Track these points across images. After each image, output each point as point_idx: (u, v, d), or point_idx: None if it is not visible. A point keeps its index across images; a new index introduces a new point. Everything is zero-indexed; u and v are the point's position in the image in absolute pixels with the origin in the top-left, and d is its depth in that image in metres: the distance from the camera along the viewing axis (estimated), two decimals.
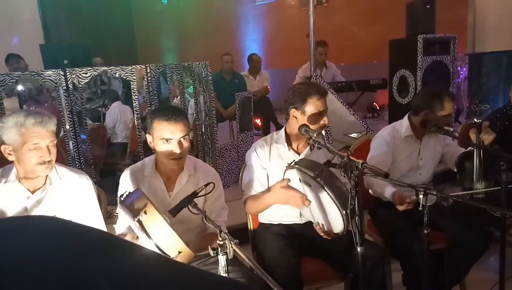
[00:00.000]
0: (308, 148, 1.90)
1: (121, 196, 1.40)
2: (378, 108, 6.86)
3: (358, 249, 1.34)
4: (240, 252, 1.15)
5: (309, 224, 1.90)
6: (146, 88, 3.15)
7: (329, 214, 1.55)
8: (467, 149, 2.06)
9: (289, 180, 1.68)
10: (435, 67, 3.67)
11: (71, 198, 1.64)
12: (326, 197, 1.45)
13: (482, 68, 3.73)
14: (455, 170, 2.06)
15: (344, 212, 1.42)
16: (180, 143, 1.63)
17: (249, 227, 2.16)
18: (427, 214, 1.38)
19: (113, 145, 4.69)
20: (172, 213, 1.51)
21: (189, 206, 1.48)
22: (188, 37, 8.34)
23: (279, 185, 1.73)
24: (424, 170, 2.21)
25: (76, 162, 2.86)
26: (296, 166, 1.57)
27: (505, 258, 1.65)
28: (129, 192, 1.40)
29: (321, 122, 1.80)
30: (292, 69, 5.61)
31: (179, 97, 3.45)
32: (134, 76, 3.05)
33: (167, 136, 1.61)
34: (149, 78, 3.14)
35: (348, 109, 3.92)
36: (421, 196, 1.33)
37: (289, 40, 7.70)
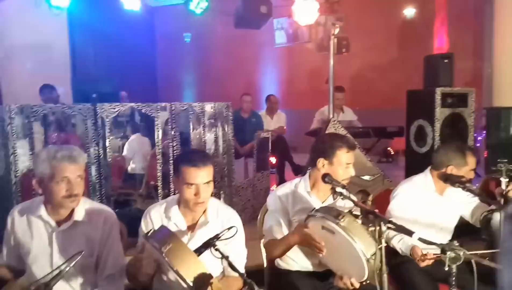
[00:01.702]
0: (331, 196, 1.92)
1: (148, 233, 1.45)
2: (392, 153, 6.87)
3: None
4: None
5: (328, 273, 1.88)
6: (170, 125, 3.25)
7: (351, 261, 1.54)
8: (491, 207, 2.04)
9: (306, 225, 1.69)
10: (453, 119, 3.70)
11: (96, 232, 1.67)
12: (348, 243, 1.45)
13: (501, 123, 3.75)
14: (478, 226, 2.04)
15: (367, 258, 1.41)
16: (203, 188, 1.66)
17: (265, 272, 2.14)
18: (455, 274, 1.37)
19: (129, 175, 4.78)
20: (196, 252, 1.53)
21: (212, 249, 1.50)
22: (208, 76, 8.62)
23: (300, 225, 1.74)
24: (446, 225, 2.19)
25: (97, 194, 2.91)
26: (318, 213, 1.59)
27: None
28: (155, 230, 1.44)
29: (347, 174, 1.83)
30: (308, 110, 5.72)
31: (198, 129, 3.54)
32: (158, 113, 3.16)
33: (191, 181, 1.65)
34: (173, 116, 3.25)
35: (365, 155, 3.94)
36: (448, 255, 1.32)
37: (306, 82, 7.91)
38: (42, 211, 1.63)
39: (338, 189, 1.66)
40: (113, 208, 3.61)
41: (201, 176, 1.64)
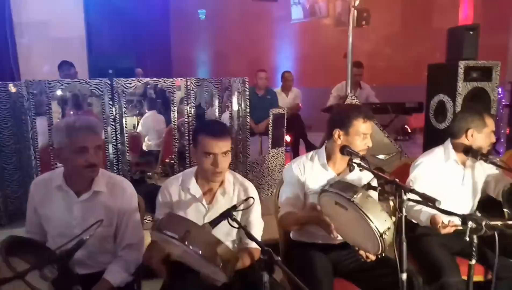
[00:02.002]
0: (348, 169, 1.90)
1: (156, 221, 1.41)
2: (410, 131, 6.73)
3: (400, 275, 1.31)
4: (285, 270, 1.15)
5: (344, 245, 1.88)
6: (185, 101, 3.24)
7: (362, 236, 1.53)
8: None
9: (319, 207, 1.68)
10: (475, 94, 3.58)
11: (115, 203, 1.70)
12: (362, 219, 1.43)
13: None
14: (500, 200, 1.99)
15: (380, 233, 1.40)
16: (221, 158, 1.66)
17: (280, 244, 2.16)
18: (475, 244, 1.34)
19: (145, 153, 4.83)
20: (212, 225, 1.54)
21: (229, 219, 1.51)
22: (222, 53, 8.52)
23: (311, 209, 1.73)
24: (467, 197, 2.15)
25: (114, 168, 2.95)
26: (331, 189, 1.57)
27: None
28: (161, 219, 1.37)
29: (364, 145, 1.79)
30: (324, 88, 5.62)
31: (214, 106, 3.53)
32: (174, 88, 3.15)
33: (210, 150, 1.65)
34: (189, 91, 3.23)
35: (382, 131, 3.87)
36: (469, 225, 1.29)
37: (322, 59, 7.74)
38: (62, 181, 1.66)
39: (356, 160, 1.63)
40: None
41: (220, 146, 1.64)
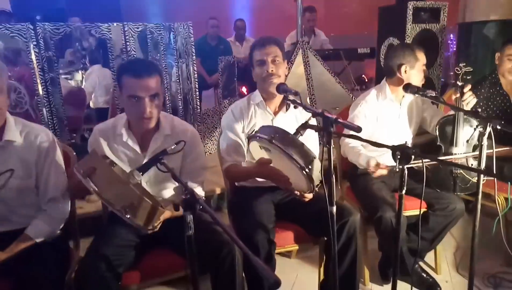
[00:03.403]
0: (284, 108, 1.84)
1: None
2: (366, 80, 6.77)
3: (330, 208, 1.29)
4: (207, 209, 1.09)
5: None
6: (124, 48, 3.00)
7: (294, 175, 1.50)
8: (449, 114, 2.02)
9: (270, 161, 1.58)
10: (423, 36, 3.58)
11: (31, 153, 1.54)
12: (286, 159, 1.39)
13: (471, 39, 3.65)
14: (436, 134, 2.03)
15: (306, 170, 1.36)
16: (150, 102, 1.52)
17: (226, 192, 2.12)
18: (404, 176, 1.34)
19: (93, 110, 4.55)
20: (140, 170, 1.45)
21: (158, 164, 1.42)
22: (175, 1, 8.00)
23: (260, 165, 1.63)
24: (404, 133, 2.18)
25: (49, 123, 2.74)
26: (255, 134, 1.50)
27: (478, 224, 1.64)
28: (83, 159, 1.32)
29: (264, 72, 1.78)
30: (281, 37, 5.44)
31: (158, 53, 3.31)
32: (110, 34, 2.90)
33: (134, 93, 1.50)
34: (127, 38, 2.99)
35: (334, 77, 3.83)
36: (397, 154, 1.28)
37: (279, 8, 7.46)
38: None
39: (291, 97, 1.56)
40: (80, 142, 3.51)
41: (146, 88, 1.49)
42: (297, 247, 1.85)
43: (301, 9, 3.88)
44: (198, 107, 3.44)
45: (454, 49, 5.69)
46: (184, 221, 1.15)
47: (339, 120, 1.23)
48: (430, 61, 3.74)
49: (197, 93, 3.43)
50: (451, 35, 5.77)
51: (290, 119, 1.86)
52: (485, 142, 1.53)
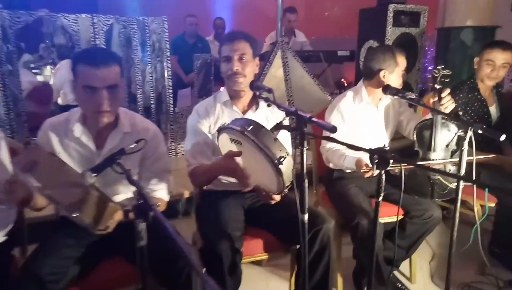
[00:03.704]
0: (254, 107, 1.73)
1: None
2: (346, 84, 6.76)
3: (301, 216, 1.19)
4: (159, 217, 0.96)
5: (253, 191, 1.74)
6: (92, 41, 2.83)
7: (264, 173, 1.38)
8: (427, 117, 1.95)
9: (240, 153, 1.44)
10: (403, 40, 3.55)
11: None
12: (257, 153, 1.28)
13: (450, 44, 3.65)
14: (413, 138, 1.96)
15: (274, 159, 1.24)
16: (107, 94, 1.37)
17: (194, 196, 1.99)
18: (382, 181, 1.25)
19: (62, 107, 4.32)
20: (94, 171, 1.30)
21: (114, 165, 1.28)
22: None
23: (226, 158, 1.49)
24: (380, 137, 2.10)
25: (5, 119, 2.54)
26: (226, 125, 1.38)
27: (455, 232, 1.57)
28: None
29: (229, 70, 1.65)
30: (261, 38, 5.34)
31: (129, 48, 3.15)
32: (78, 26, 2.73)
33: (89, 83, 1.35)
34: (96, 30, 2.82)
35: (313, 79, 3.75)
36: (375, 158, 1.19)
37: (260, 8, 7.37)
38: None
39: (264, 94, 1.45)
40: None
41: (102, 78, 1.35)
42: (266, 256, 1.73)
43: (281, 9, 3.79)
44: (172, 106, 3.30)
45: (432, 55, 5.75)
46: (135, 230, 1.02)
47: (314, 119, 1.12)
48: (408, 65, 3.71)
49: (171, 91, 3.29)
50: (430, 43, 5.83)
51: (260, 119, 1.73)
52: (465, 147, 1.47)
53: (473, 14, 3.56)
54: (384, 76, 1.95)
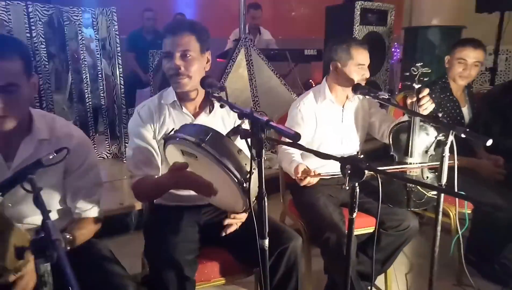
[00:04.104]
0: (207, 108, 1.49)
1: None
2: (314, 85, 6.64)
3: (260, 242, 0.96)
4: (61, 259, 0.69)
5: (212, 205, 1.50)
6: (28, 33, 2.48)
7: (227, 191, 1.15)
8: (402, 119, 1.79)
9: (186, 166, 1.21)
10: (371, 39, 3.44)
11: None
12: (216, 169, 1.05)
13: (417, 43, 3.57)
14: (387, 142, 1.79)
15: (243, 185, 1.03)
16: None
17: (144, 210, 1.72)
18: (355, 195, 1.05)
19: None
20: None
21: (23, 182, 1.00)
22: None
23: (173, 171, 1.24)
24: (349, 140, 1.93)
25: None
26: (174, 134, 1.14)
27: (437, 248, 1.40)
28: None
29: (171, 69, 1.41)
30: (225, 36, 5.11)
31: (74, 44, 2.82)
32: (9, 14, 2.37)
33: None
34: (32, 21, 2.47)
35: (279, 78, 3.55)
36: (348, 168, 0.98)
37: (223, 5, 7.13)
38: None
39: (215, 94, 1.21)
40: None
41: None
42: (223, 281, 1.49)
43: (244, 5, 3.56)
44: (124, 106, 2.99)
45: (399, 56, 5.73)
46: (37, 274, 0.75)
47: (272, 123, 0.90)
48: (376, 65, 3.62)
49: (122, 90, 2.98)
50: (396, 44, 5.82)
51: (216, 123, 1.49)
52: (446, 153, 1.30)
53: (439, 13, 3.50)
54: (336, 68, 1.78)
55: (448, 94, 2.22)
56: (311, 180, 1.54)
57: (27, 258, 0.99)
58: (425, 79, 1.69)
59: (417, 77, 1.69)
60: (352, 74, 1.77)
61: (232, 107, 1.06)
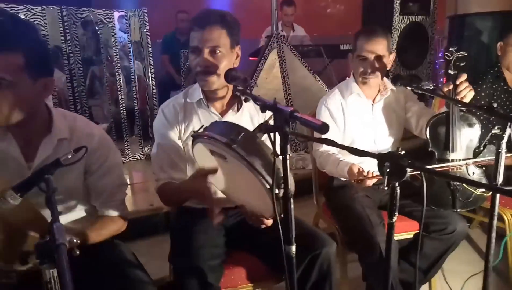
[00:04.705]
0: (235, 106, 1.40)
1: None
2: None
3: (286, 249, 0.86)
4: (62, 263, 0.63)
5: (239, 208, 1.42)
6: (62, 37, 2.53)
7: (256, 194, 1.06)
8: (441, 111, 1.62)
9: (207, 172, 1.14)
10: (412, 29, 3.22)
11: None
12: (246, 172, 0.96)
13: (464, 33, 3.29)
14: (426, 137, 1.63)
15: (276, 192, 0.93)
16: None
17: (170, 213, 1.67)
18: (395, 196, 0.92)
19: None
20: (19, 190, 0.99)
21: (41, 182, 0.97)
22: None
23: (194, 177, 1.20)
24: (384, 138, 1.77)
25: None
26: (204, 133, 1.06)
27: (491, 256, 1.23)
28: None
29: (198, 66, 1.31)
30: (258, 36, 5.04)
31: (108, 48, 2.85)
32: (45, 19, 2.43)
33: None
34: (66, 25, 2.52)
35: (313, 75, 3.42)
36: (386, 167, 0.85)
37: (259, 4, 7.07)
38: None
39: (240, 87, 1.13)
40: None
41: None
42: (251, 288, 1.40)
43: (275, 1, 3.47)
44: (156, 107, 2.99)
45: (442, 51, 5.38)
46: (42, 279, 0.70)
47: (297, 114, 0.79)
48: (418, 58, 3.39)
49: (155, 91, 2.98)
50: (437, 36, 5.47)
51: (244, 122, 1.40)
52: (503, 148, 1.13)
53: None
54: (352, 60, 1.68)
55: (501, 84, 2.00)
56: (369, 182, 1.40)
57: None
58: (462, 64, 1.51)
59: (452, 62, 1.52)
60: (354, 68, 1.66)
61: (255, 100, 0.97)
